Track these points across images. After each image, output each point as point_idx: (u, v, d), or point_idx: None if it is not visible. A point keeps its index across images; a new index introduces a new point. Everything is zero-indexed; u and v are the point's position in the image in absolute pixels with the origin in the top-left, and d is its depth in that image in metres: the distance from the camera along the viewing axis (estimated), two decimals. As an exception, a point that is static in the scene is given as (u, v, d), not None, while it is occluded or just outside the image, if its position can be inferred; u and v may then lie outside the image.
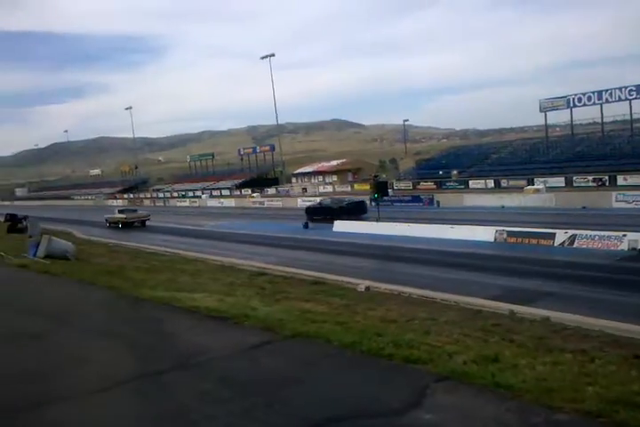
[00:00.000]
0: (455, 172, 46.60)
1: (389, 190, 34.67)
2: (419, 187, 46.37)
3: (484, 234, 18.35)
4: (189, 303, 7.66)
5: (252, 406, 4.02)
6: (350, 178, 65.40)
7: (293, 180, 74.89)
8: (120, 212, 34.55)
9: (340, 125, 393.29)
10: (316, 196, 49.67)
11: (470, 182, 42.46)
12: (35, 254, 14.10)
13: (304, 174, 74.75)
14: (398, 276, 12.86)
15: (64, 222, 35.95)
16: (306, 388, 4.39)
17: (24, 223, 22.80)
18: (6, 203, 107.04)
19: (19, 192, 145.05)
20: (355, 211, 29.19)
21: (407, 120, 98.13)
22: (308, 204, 36.00)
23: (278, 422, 3.75)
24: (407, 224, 21.97)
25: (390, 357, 4.88)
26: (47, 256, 13.90)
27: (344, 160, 77.08)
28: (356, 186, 54.38)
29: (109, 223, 33.80)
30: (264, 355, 5.33)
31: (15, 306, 8.31)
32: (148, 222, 33.94)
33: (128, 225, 32.55)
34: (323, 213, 29.74)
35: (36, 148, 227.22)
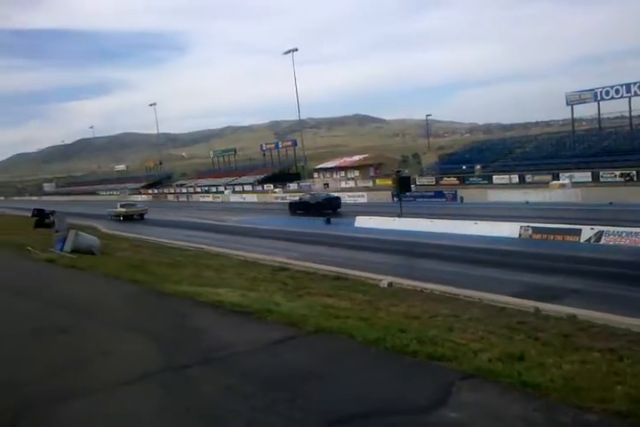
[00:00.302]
0: (479, 167, 46.06)
1: (412, 186, 34.48)
2: (441, 182, 45.95)
3: (509, 230, 18.10)
4: (213, 298, 7.71)
5: (274, 401, 4.02)
6: (372, 173, 65.19)
7: (315, 175, 74.90)
8: (121, 206, 37.08)
9: (361, 120, 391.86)
10: (337, 191, 49.58)
11: (494, 177, 41.90)
12: (61, 249, 14.34)
13: (326, 170, 74.73)
14: (421, 272, 12.78)
15: (90, 217, 36.53)
16: (329, 384, 4.38)
17: (51, 218, 23.11)
18: (34, 198, 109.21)
19: (46, 187, 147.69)
20: (329, 206, 32.46)
21: (430, 115, 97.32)
22: (292, 199, 38.55)
23: (301, 417, 3.74)
24: (430, 220, 21.78)
25: (414, 353, 4.85)
26: (73, 251, 14.13)
27: (366, 155, 76.79)
28: (377, 181, 54.17)
29: (112, 216, 35.97)
30: (287, 350, 5.34)
31: (43, 300, 8.47)
32: (171, 217, 34.80)
33: (128, 218, 34.99)
34: (303, 208, 33.17)
35: (62, 144, 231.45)
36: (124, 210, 36.03)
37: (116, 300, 8.25)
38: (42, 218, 25.95)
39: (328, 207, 32.12)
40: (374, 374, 4.58)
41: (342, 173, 69.86)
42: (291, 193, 55.49)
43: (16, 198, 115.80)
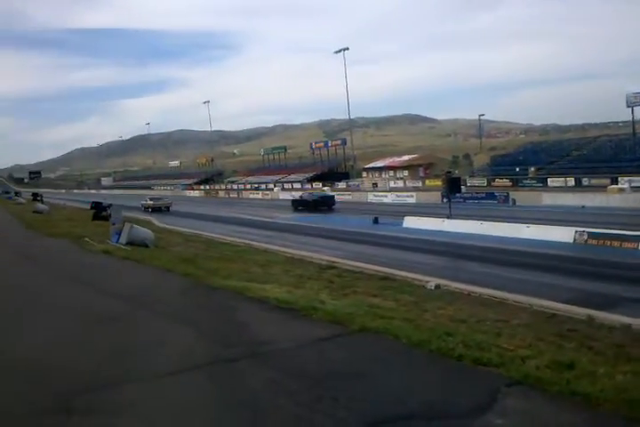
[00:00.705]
0: (533, 169, 44.74)
1: (462, 187, 33.94)
2: (493, 184, 44.90)
3: (563, 235, 17.54)
4: (260, 294, 7.83)
5: (318, 398, 4.06)
6: (422, 173, 64.38)
7: (364, 174, 74.57)
8: (150, 199, 42.39)
9: (412, 120, 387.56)
10: (386, 191, 49.33)
11: (549, 180, 40.60)
12: (117, 241, 14.83)
13: (375, 169, 74.26)
14: (469, 275, 12.56)
15: (143, 211, 37.73)
16: (372, 384, 4.38)
17: (108, 211, 24.02)
18: (93, 191, 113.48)
19: (104, 181, 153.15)
20: (324, 203, 37.54)
21: (483, 115, 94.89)
22: (294, 197, 44.90)
23: (344, 416, 3.76)
24: (480, 222, 21.38)
25: (460, 358, 4.79)
26: (128, 243, 14.57)
27: (416, 155, 75.93)
28: (427, 181, 53.46)
29: (144, 208, 39.56)
30: (332, 348, 5.37)
31: (100, 289, 8.81)
32: (222, 213, 36.94)
33: (156, 209, 39.48)
34: (302, 205, 38.07)
35: (120, 139, 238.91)
36: (151, 202, 41.03)
37: (167, 292, 8.49)
38: (99, 211, 27.08)
39: (323, 204, 37.24)
40: (418, 376, 4.56)
41: (391, 173, 69.28)
42: (339, 192, 55.56)
43: (76, 191, 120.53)
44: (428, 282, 10.55)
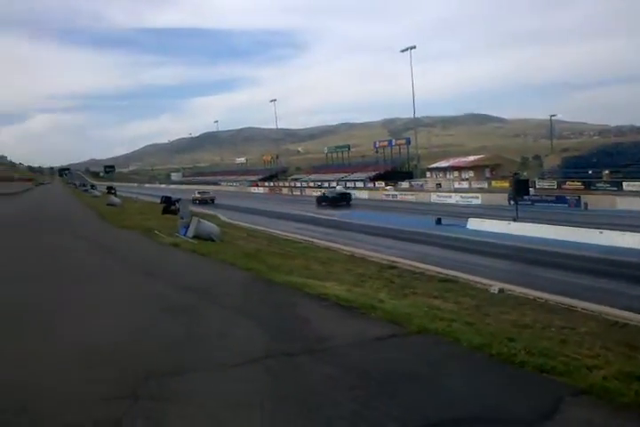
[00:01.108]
0: (607, 172, 42.61)
1: (530, 189, 32.84)
2: (564, 186, 43.06)
3: (639, 241, 16.65)
4: (320, 290, 7.89)
5: (374, 396, 4.07)
6: (488, 174, 62.69)
7: (428, 174, 73.47)
8: (198, 193, 50.16)
9: (480, 119, 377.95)
10: (450, 191, 48.40)
11: (624, 184, 38.49)
12: (185, 234, 15.33)
13: (439, 169, 73.01)
14: (535, 280, 12.16)
15: (210, 206, 38.85)
16: (429, 385, 4.35)
17: (176, 206, 24.90)
18: (163, 186, 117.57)
19: (174, 176, 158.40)
20: (342, 199, 42.51)
21: (554, 115, 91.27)
22: (318, 193, 49.48)
23: (399, 415, 3.76)
24: (548, 226, 20.62)
25: (522, 364, 4.66)
26: (195, 237, 15.01)
27: (482, 156, 73.98)
28: (493, 183, 51.98)
29: (192, 200, 43.87)
30: (389, 348, 5.36)
31: (167, 280, 9.14)
32: (285, 210, 38.16)
33: (203, 202, 45.28)
34: (324, 201, 42.41)
35: (189, 136, 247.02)
36: (199, 196, 48.40)
37: (230, 285, 8.71)
38: (169, 205, 28.13)
39: (342, 200, 42.27)
40: (477, 380, 4.48)
41: (456, 174, 67.87)
42: (402, 191, 55.05)
43: (147, 186, 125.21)
44: (491, 286, 10.31)
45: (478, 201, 40.61)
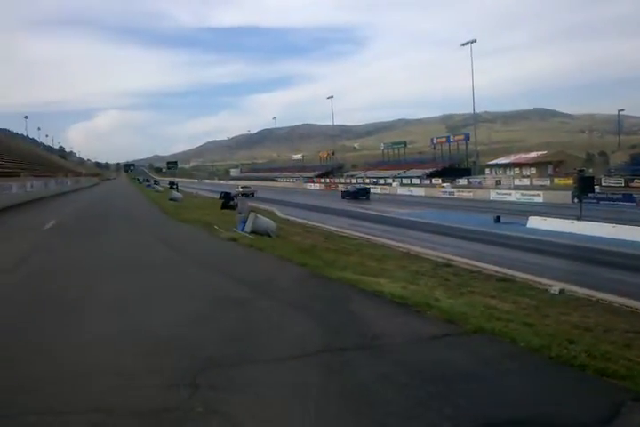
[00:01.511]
0: (680, 169, 40.36)
1: (595, 187, 31.53)
2: (631, 184, 41.12)
3: None
4: (374, 287, 7.89)
5: (428, 395, 4.04)
6: (550, 171, 60.64)
7: (487, 171, 71.88)
8: (241, 188, 56.96)
9: (543, 115, 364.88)
10: (510, 189, 47.10)
11: (699, 182, 36.41)
12: (242, 229, 15.62)
13: (499, 166, 71.26)
14: (598, 281, 11.70)
15: (268, 202, 39.41)
16: (484, 386, 4.27)
17: (235, 201, 25.44)
18: (222, 182, 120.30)
19: (232, 172, 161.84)
20: (362, 194, 48.75)
21: (622, 109, 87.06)
22: (343, 189, 57.18)
23: (453, 414, 3.71)
24: (613, 225, 19.75)
25: (582, 367, 4.51)
26: (252, 232, 15.25)
27: (545, 152, 71.65)
28: (556, 180, 50.29)
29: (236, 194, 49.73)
30: (444, 346, 5.31)
31: (225, 274, 9.36)
32: (340, 207, 38.56)
33: (245, 195, 47.22)
34: (347, 195, 49.44)
35: (248, 133, 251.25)
36: (241, 190, 54.28)
37: (286, 280, 8.82)
38: (227, 200, 28.79)
39: (362, 194, 48.55)
40: (534, 382, 4.37)
41: (517, 170, 66.03)
42: (459, 188, 54.02)
43: (207, 181, 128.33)
44: (551, 286, 10.00)
45: (540, 199, 39.36)
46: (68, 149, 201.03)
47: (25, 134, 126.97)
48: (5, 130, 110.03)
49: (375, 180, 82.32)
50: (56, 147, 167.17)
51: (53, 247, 13.57)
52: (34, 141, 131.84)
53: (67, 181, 67.03)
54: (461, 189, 53.00)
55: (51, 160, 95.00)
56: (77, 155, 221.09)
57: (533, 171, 63.79)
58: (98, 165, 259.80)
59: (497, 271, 11.74)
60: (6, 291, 8.26)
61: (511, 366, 4.80)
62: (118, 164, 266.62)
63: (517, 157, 73.07)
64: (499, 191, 47.00)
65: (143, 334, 5.79)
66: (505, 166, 70.81)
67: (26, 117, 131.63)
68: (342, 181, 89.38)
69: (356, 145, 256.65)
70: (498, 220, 25.10)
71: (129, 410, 3.88)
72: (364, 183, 72.48)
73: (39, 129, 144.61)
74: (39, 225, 18.79)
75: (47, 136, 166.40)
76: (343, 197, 49.31)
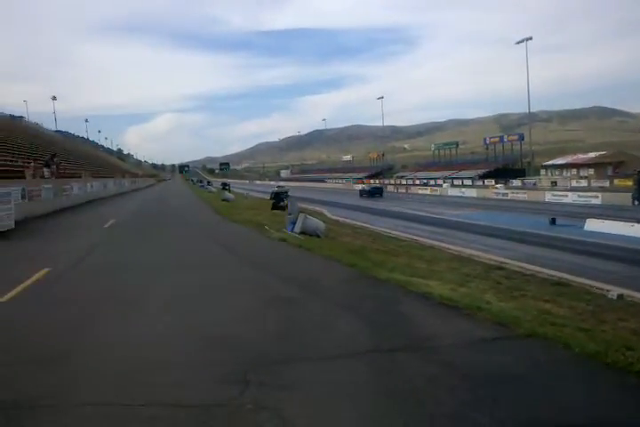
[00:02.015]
0: None
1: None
2: (697, 186, 38.98)
3: None
4: (424, 289, 7.85)
5: (478, 397, 4.03)
6: (610, 172, 58.31)
7: (542, 172, 69.83)
8: (276, 187, 58.03)
9: (602, 113, 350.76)
10: (567, 190, 45.60)
11: None
12: (292, 230, 15.80)
13: (555, 166, 69.09)
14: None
15: (317, 203, 39.63)
16: (536, 390, 4.20)
17: (285, 202, 25.72)
18: (272, 183, 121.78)
19: (283, 173, 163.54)
20: (377, 192, 55.66)
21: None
22: (360, 188, 64.31)
23: (503, 417, 3.70)
24: (679, 229, 18.84)
25: (640, 374, 4.40)
26: (302, 232, 15.39)
27: (604, 152, 68.91)
28: (616, 181, 48.31)
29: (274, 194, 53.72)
30: (495, 350, 5.24)
31: (275, 273, 9.50)
32: (391, 208, 38.31)
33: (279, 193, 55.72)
34: (364, 193, 55.52)
35: (298, 134, 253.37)
36: (277, 189, 53.07)
37: (335, 280, 8.88)
38: (278, 201, 29.14)
39: (376, 193, 55.22)
40: (587, 389, 4.27)
41: (574, 171, 63.85)
42: (513, 190, 52.73)
43: (257, 182, 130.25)
44: (609, 291, 9.65)
45: (598, 201, 37.92)
46: (125, 151, 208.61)
47: (86, 137, 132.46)
48: (67, 132, 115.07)
49: (425, 181, 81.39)
50: (115, 149, 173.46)
51: (113, 246, 14.14)
52: (94, 144, 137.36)
53: (124, 182, 69.43)
54: (515, 191, 51.67)
55: (110, 162, 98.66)
56: (135, 156, 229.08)
57: (591, 172, 61.57)
58: (154, 166, 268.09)
59: (551, 275, 11.41)
60: (68, 287, 8.69)
61: (564, 371, 4.71)
62: (173, 165, 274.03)
63: (575, 157, 70.68)
64: (554, 193, 45.58)
65: (196, 330, 5.97)
66: (561, 167, 68.62)
67: (86, 121, 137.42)
68: (392, 182, 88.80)
69: (406, 146, 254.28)
70: (553, 222, 24.36)
71: (182, 404, 4.02)
72: (380, 183, 77.96)
73: (99, 132, 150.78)
74: (99, 224, 19.59)
75: (106, 139, 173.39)
76: (361, 196, 54.90)
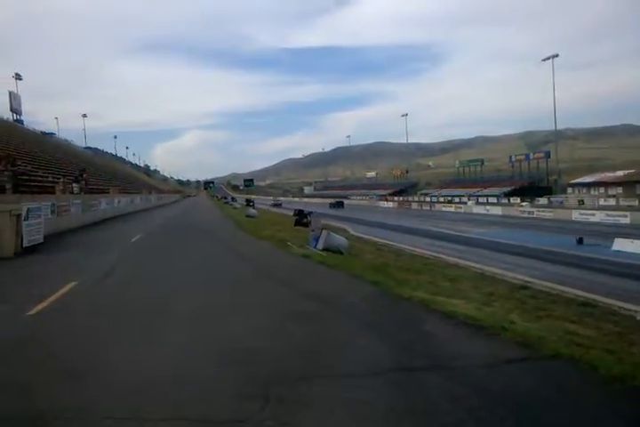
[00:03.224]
0: None
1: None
2: None
3: None
4: (447, 308, 7.77)
5: (500, 418, 3.97)
6: (639, 191, 57.16)
7: (569, 190, 68.87)
8: (273, 200, 66.46)
9: (631, 131, 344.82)
10: (594, 209, 44.84)
11: None
12: (315, 246, 15.85)
13: (582, 185, 68.07)
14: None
15: (340, 220, 39.65)
16: (560, 413, 4.12)
17: (308, 218, 25.81)
18: (295, 199, 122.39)
19: (306, 190, 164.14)
20: (338, 205, 74.85)
21: None
22: (330, 202, 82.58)
23: (526, 441, 3.66)
24: None
25: (670, 398, 4.28)
26: (324, 249, 15.42)
27: (633, 170, 67.59)
28: (646, 200, 47.29)
29: (271, 204, 57.18)
30: (519, 371, 5.16)
31: (298, 289, 9.53)
32: (414, 225, 38.33)
33: (276, 205, 67.71)
34: (332, 206, 70.48)
35: (322, 151, 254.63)
36: (274, 201, 67.93)
37: (357, 297, 8.85)
38: (301, 217, 29.25)
39: (338, 206, 74.21)
40: (615, 412, 4.18)
41: (602, 190, 62.76)
42: (539, 208, 52.04)
43: (281, 199, 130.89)
44: (637, 312, 9.43)
45: (627, 220, 37.22)
46: (152, 167, 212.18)
47: (114, 153, 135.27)
48: (96, 149, 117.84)
49: (450, 198, 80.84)
50: (142, 165, 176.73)
51: (139, 260, 14.37)
52: (122, 160, 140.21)
53: (151, 198, 70.56)
54: (541, 209, 50.98)
55: (137, 177, 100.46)
56: (161, 172, 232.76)
57: (620, 190, 60.45)
58: (180, 182, 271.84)
59: (578, 295, 11.19)
60: (94, 301, 8.85)
61: (590, 393, 4.62)
62: (198, 181, 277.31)
63: (602, 175, 69.56)
64: (582, 211, 44.85)
65: (217, 345, 6.02)
66: (589, 185, 67.59)
67: (115, 137, 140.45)
68: (416, 199, 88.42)
69: (430, 163, 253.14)
70: (580, 241, 23.97)
71: (202, 419, 4.04)
72: (340, 197, 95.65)
73: (127, 148, 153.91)
74: (125, 239, 19.93)
75: (134, 155, 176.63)
76: (331, 207, 72.46)
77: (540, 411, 4.17)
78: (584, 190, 67.67)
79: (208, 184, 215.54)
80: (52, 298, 8.68)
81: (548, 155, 76.64)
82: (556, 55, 63.82)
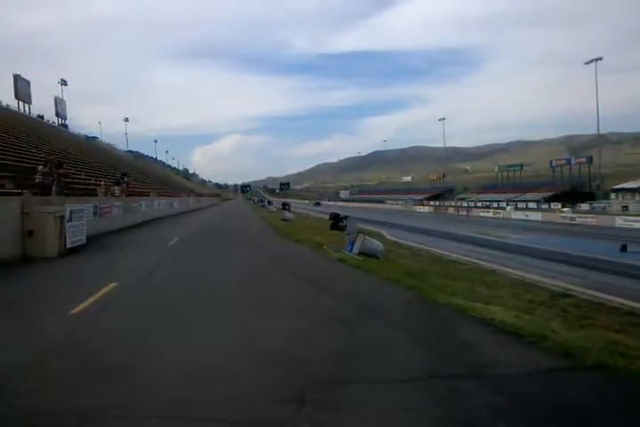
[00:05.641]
0: None
1: None
2: None
3: None
4: (485, 315, 7.64)
5: (542, 430, 3.90)
6: (688, 197, 55.02)
7: (612, 196, 66.82)
8: (282, 203, 63.84)
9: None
10: (639, 215, 43.38)
11: None
12: (351, 250, 15.82)
13: (627, 190, 65.96)
14: None
15: (376, 224, 39.48)
16: (604, 425, 4.02)
17: (344, 222, 25.77)
18: (331, 203, 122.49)
19: (342, 194, 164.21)
20: (318, 205, 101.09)
21: None
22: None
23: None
24: None
25: None
26: (360, 253, 15.36)
27: (683, 175, 65.18)
28: (697, 206, 45.46)
29: (314, 204, 71.71)
30: (560, 381, 5.02)
31: (334, 293, 9.52)
32: (451, 230, 38.02)
33: (285, 207, 58.13)
34: (316, 205, 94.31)
35: (358, 155, 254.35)
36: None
37: (393, 302, 8.79)
38: (337, 221, 29.23)
39: (318, 205, 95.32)
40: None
41: (648, 195, 60.58)
42: (581, 214, 50.69)
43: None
44: (686, 323, 9.06)
45: (675, 227, 35.87)
46: (191, 171, 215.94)
47: (154, 157, 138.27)
48: (137, 152, 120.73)
49: (488, 203, 79.50)
50: (181, 168, 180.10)
51: (176, 262, 14.62)
52: (162, 163, 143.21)
53: (189, 201, 71.77)
54: (583, 215, 49.63)
55: (176, 181, 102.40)
56: (199, 176, 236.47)
57: (667, 196, 58.38)
58: (217, 185, 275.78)
59: (623, 304, 10.82)
60: (135, 301, 9.05)
61: (634, 405, 4.47)
62: (236, 185, 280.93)
63: (648, 180, 67.28)
64: (626, 218, 43.46)
65: (254, 348, 6.05)
66: (634, 191, 65.44)
67: (155, 141, 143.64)
68: (453, 204, 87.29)
69: (468, 167, 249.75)
70: (624, 248, 23.23)
71: (239, 421, 4.07)
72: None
73: (167, 152, 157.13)
74: (165, 241, 20.31)
75: (174, 159, 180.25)
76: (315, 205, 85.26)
77: (584, 423, 4.06)
78: (628, 196, 65.56)
79: (245, 188, 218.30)
80: (93, 298, 8.90)
81: (590, 159, 74.62)
82: (600, 58, 62.18)
